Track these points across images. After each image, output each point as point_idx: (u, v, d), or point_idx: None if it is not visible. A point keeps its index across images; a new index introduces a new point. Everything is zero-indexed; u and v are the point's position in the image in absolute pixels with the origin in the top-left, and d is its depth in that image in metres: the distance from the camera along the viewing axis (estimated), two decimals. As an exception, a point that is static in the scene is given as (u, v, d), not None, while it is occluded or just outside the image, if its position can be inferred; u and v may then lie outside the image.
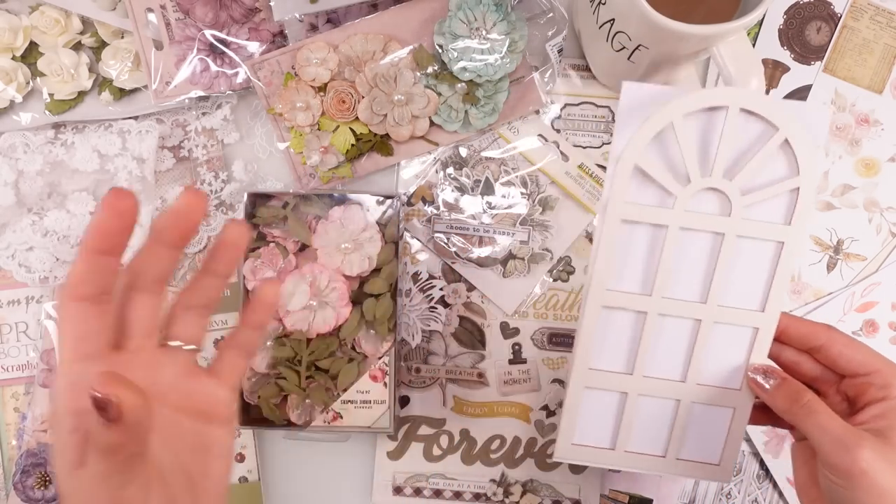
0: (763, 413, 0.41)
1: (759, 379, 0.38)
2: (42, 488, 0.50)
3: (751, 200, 0.37)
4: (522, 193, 0.52)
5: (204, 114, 0.52)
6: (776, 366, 0.40)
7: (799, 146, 0.37)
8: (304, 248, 0.50)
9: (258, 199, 0.50)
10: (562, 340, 0.52)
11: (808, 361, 0.40)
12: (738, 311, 0.39)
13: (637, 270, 0.39)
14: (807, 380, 0.40)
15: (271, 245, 0.49)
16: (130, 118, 0.52)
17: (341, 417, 0.49)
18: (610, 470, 0.51)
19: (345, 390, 0.49)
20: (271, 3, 0.49)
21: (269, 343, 0.49)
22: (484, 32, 0.50)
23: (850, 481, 0.34)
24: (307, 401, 0.49)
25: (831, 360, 0.38)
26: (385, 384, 0.49)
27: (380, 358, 0.49)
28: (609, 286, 0.39)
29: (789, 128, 0.36)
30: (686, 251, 0.38)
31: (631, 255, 0.39)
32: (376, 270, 0.49)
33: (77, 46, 0.52)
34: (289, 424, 0.49)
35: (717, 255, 0.38)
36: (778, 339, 0.39)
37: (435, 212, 0.52)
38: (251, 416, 0.49)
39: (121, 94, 0.51)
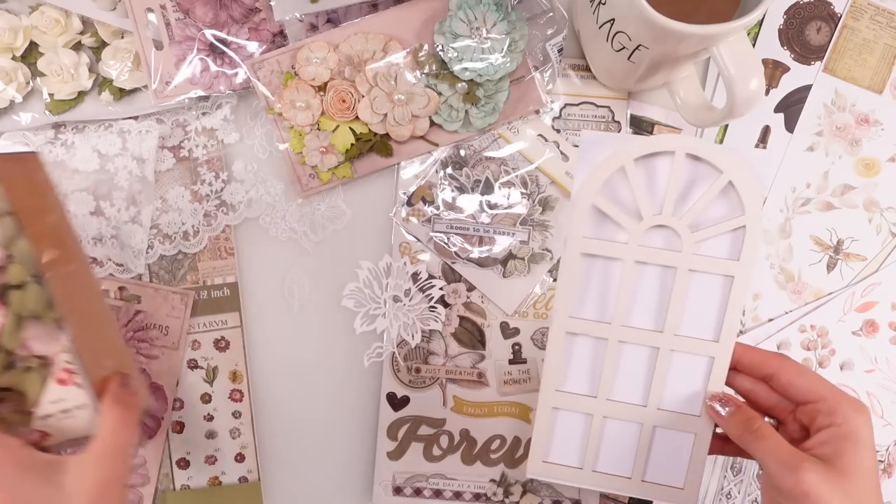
0: (729, 443, 0.42)
1: (717, 406, 0.41)
2: None
3: (700, 237, 0.40)
4: (522, 193, 0.52)
5: (204, 114, 0.52)
6: (733, 394, 0.42)
7: (743, 188, 0.39)
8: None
9: None
10: (562, 340, 0.52)
11: (764, 390, 0.41)
12: (694, 340, 0.41)
13: (598, 300, 0.42)
14: (764, 408, 0.42)
15: None
16: (130, 118, 0.52)
17: (50, 435, 0.41)
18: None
19: (37, 404, 0.40)
20: (272, 3, 0.49)
21: None
22: (484, 32, 0.50)
23: (794, 502, 0.36)
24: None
25: (783, 388, 0.40)
26: (77, 384, 0.40)
27: (60, 356, 0.40)
28: (572, 313, 0.42)
29: (733, 172, 0.39)
30: (642, 283, 0.41)
31: (591, 286, 0.42)
32: (9, 256, 0.40)
33: (77, 46, 0.52)
34: None
35: (671, 288, 0.41)
36: (733, 368, 0.41)
37: (435, 212, 0.52)
38: None
39: (121, 94, 0.51)
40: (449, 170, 0.52)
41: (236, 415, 0.52)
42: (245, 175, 0.53)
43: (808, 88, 0.53)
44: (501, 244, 0.52)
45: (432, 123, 0.51)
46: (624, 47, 0.44)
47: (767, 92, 0.53)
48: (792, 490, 0.36)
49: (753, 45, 0.53)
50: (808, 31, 0.53)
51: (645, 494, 0.43)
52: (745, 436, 0.39)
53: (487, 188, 0.52)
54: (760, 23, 0.53)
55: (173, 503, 0.52)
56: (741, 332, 0.52)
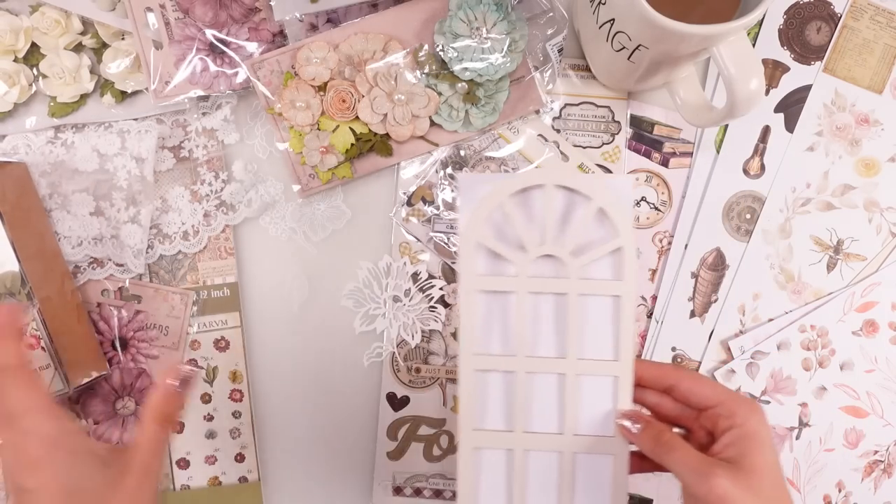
0: (646, 460, 0.42)
1: (627, 424, 0.41)
2: None
3: (583, 262, 0.41)
4: (522, 193, 0.52)
5: (204, 114, 0.52)
6: (642, 410, 0.42)
7: (612, 212, 0.41)
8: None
9: None
10: (562, 340, 0.52)
11: (668, 401, 0.42)
12: (596, 362, 0.42)
13: (501, 334, 0.42)
14: (671, 419, 0.42)
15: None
16: (132, 119, 0.52)
17: None
18: None
19: None
20: (271, 3, 0.49)
21: None
22: (484, 32, 0.50)
23: None
24: None
25: (684, 398, 0.41)
26: (43, 348, 0.47)
27: (30, 325, 0.47)
28: (477, 350, 0.42)
29: (600, 198, 0.41)
30: (540, 312, 0.42)
31: (493, 321, 0.42)
32: None
33: (78, 48, 0.52)
34: None
35: (566, 313, 0.42)
36: (638, 384, 0.42)
37: (435, 212, 0.52)
38: None
39: (122, 96, 0.52)
40: (449, 170, 0.52)
41: (236, 415, 0.52)
42: (245, 175, 0.53)
43: (808, 88, 0.53)
44: (501, 244, 0.52)
45: (432, 123, 0.51)
46: (624, 47, 0.44)
47: (767, 92, 0.53)
48: (707, 496, 0.37)
49: (753, 45, 0.53)
50: (808, 31, 0.53)
51: None
52: (656, 449, 0.39)
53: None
54: (760, 23, 0.53)
55: (173, 503, 0.52)
56: (741, 333, 0.52)
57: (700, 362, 0.52)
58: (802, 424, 0.52)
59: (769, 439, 0.39)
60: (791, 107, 0.53)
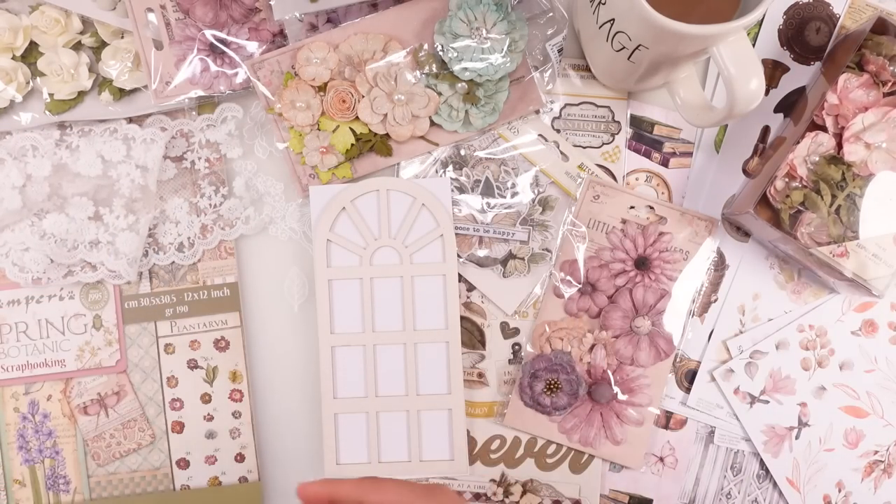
0: None
1: None
2: (551, 395, 0.50)
3: (414, 249, 0.51)
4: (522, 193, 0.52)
5: (209, 126, 0.52)
6: None
7: (432, 207, 0.51)
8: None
9: None
10: (562, 340, 0.52)
11: None
12: (431, 331, 0.50)
13: (353, 314, 0.51)
14: None
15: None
16: (135, 124, 0.52)
17: None
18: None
19: None
20: (271, 3, 0.49)
21: None
22: (484, 32, 0.50)
23: None
24: None
25: None
26: None
27: None
28: (334, 330, 0.50)
29: (422, 197, 0.51)
30: (384, 294, 0.51)
31: (347, 304, 0.51)
32: None
33: (77, 46, 0.52)
34: None
35: (407, 293, 0.50)
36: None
37: (435, 212, 0.52)
38: None
39: (120, 94, 0.51)
40: (449, 170, 0.52)
41: (236, 415, 0.52)
42: (245, 192, 0.52)
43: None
44: (501, 244, 0.52)
45: (432, 123, 0.51)
46: (624, 47, 0.44)
47: (767, 92, 0.53)
48: None
49: (753, 46, 0.53)
50: (807, 32, 0.53)
51: (425, 472, 0.50)
52: None
53: (487, 188, 0.52)
54: (760, 23, 0.53)
55: (173, 503, 0.52)
56: (741, 332, 0.52)
57: (700, 362, 0.52)
58: (802, 424, 0.52)
59: None
60: (791, 107, 0.53)
